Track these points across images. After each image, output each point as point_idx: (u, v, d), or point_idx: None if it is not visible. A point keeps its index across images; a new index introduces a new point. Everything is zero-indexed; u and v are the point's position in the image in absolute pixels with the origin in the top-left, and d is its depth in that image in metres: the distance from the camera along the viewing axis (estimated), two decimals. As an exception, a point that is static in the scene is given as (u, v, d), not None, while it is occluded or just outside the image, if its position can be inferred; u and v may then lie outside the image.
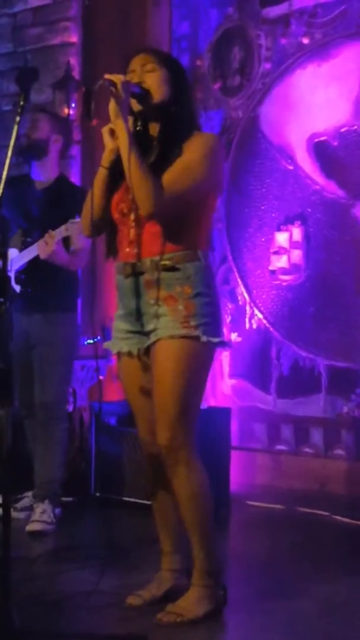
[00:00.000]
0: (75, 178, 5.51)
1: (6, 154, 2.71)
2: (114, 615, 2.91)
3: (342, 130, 5.01)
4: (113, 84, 2.74)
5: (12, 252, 4.10)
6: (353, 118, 4.96)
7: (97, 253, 3.18)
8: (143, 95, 2.84)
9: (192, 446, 2.85)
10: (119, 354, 2.99)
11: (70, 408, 4.63)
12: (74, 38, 5.79)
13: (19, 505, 4.26)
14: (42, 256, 3.93)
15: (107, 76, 2.75)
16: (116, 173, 2.87)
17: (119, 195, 2.92)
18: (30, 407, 4.17)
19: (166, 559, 3.04)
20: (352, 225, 4.98)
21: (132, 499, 4.41)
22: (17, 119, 2.70)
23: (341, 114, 5.01)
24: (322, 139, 5.09)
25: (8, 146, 2.71)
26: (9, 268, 3.95)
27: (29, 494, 4.25)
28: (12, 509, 2.79)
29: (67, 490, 4.34)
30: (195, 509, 2.86)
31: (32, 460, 4.19)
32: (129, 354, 2.94)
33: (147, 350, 2.90)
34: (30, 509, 4.15)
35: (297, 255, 5.16)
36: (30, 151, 4.12)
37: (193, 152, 2.83)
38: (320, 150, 5.11)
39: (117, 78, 2.76)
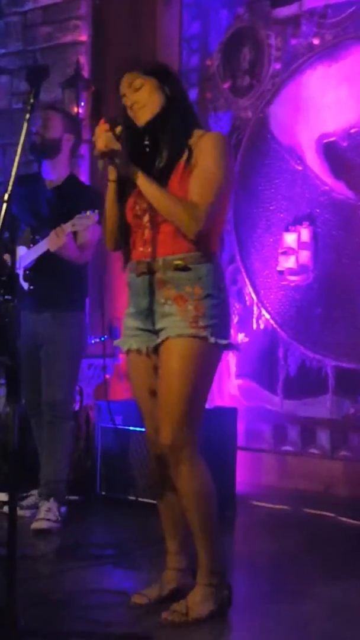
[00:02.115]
0: (84, 177, 5.50)
1: (16, 152, 2.71)
2: (119, 614, 2.91)
3: (352, 131, 5.00)
4: (109, 156, 2.79)
5: (21, 250, 4.10)
6: (363, 119, 4.97)
7: (106, 253, 3.17)
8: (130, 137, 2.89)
9: (195, 445, 2.85)
10: (128, 352, 2.99)
11: (76, 407, 4.63)
12: (83, 37, 5.79)
13: (24, 503, 4.26)
14: (52, 249, 3.93)
15: (96, 153, 2.81)
16: (123, 188, 2.91)
17: (132, 199, 2.94)
18: (36, 405, 4.17)
19: (171, 558, 3.04)
20: (361, 226, 4.98)
21: (137, 498, 4.41)
22: (27, 116, 2.69)
23: (351, 115, 5.00)
24: (332, 139, 5.09)
25: (18, 144, 2.71)
26: (17, 265, 3.95)
27: (35, 492, 4.25)
28: (17, 507, 2.79)
29: (72, 489, 4.35)
30: (199, 508, 2.86)
31: (38, 458, 4.19)
32: (138, 351, 2.95)
33: (156, 349, 2.90)
34: (35, 507, 4.15)
35: (305, 255, 5.16)
36: (43, 150, 4.12)
37: (208, 157, 2.85)
38: (330, 150, 5.10)
39: (108, 147, 2.78)
